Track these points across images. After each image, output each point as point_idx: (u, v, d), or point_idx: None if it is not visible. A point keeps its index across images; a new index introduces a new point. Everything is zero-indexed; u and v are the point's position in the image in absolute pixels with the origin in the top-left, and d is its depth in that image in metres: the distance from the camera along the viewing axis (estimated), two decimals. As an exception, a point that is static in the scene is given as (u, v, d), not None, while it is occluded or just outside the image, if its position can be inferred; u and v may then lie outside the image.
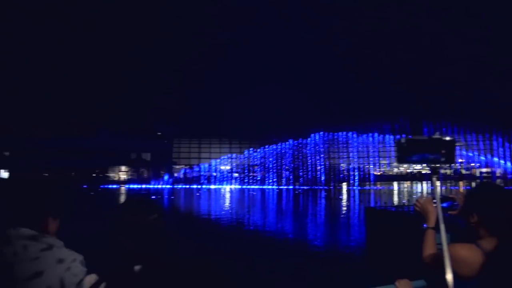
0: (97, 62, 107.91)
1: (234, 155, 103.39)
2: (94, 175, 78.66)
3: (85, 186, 54.23)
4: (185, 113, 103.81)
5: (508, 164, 75.01)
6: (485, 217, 2.06)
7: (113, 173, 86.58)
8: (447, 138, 2.05)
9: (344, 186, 57.86)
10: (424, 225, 2.38)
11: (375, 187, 53.80)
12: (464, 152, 78.87)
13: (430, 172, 2.05)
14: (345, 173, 70.79)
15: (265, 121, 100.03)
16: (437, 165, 2.02)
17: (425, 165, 2.11)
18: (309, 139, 72.51)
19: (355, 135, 74.56)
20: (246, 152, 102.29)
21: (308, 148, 71.77)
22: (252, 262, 10.24)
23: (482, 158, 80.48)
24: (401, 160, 2.03)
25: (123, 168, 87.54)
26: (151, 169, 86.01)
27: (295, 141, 71.89)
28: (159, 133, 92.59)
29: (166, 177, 79.50)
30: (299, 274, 9.37)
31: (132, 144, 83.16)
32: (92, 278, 1.53)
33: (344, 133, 73.94)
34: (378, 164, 76.58)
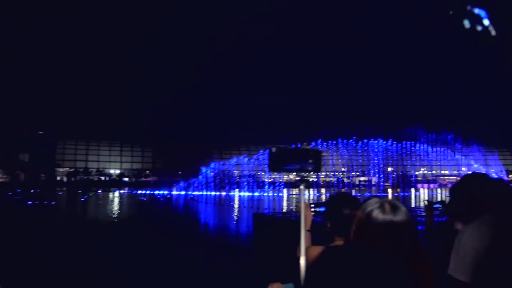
0: None
1: (125, 159, 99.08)
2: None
3: None
4: (71, 112, 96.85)
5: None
6: (332, 224, 2.32)
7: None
8: (315, 149, 2.22)
9: (236, 192, 59.00)
10: None
11: (266, 194, 56.14)
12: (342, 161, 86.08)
13: (299, 180, 2.20)
14: (238, 179, 72.39)
15: (161, 126, 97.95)
16: (304, 173, 2.17)
17: (294, 173, 2.26)
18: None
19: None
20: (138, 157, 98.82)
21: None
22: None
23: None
24: (272, 168, 2.13)
25: (-6, 170, 78.00)
26: (29, 172, 77.85)
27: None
28: (41, 132, 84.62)
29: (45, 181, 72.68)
30: (182, 276, 9.26)
31: (6, 143, 74.22)
32: None
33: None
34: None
